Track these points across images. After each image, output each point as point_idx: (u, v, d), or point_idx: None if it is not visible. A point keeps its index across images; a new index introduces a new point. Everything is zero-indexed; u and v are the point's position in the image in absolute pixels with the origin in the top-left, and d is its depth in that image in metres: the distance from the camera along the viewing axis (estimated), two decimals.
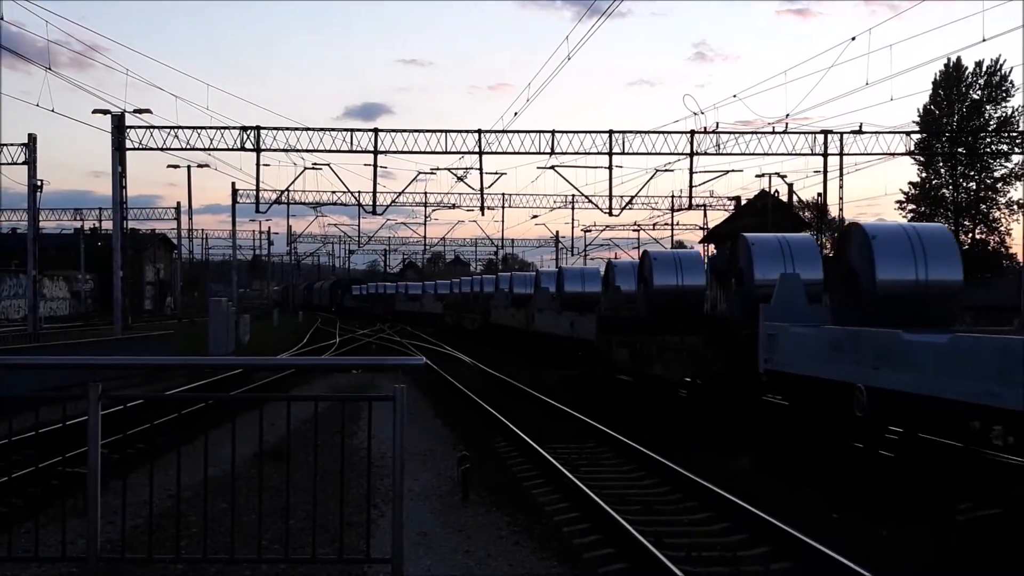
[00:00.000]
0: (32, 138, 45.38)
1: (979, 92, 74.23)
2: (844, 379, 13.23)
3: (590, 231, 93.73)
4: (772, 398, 17.81)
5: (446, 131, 48.03)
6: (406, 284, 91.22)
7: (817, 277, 18.14)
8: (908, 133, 51.97)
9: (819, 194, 55.88)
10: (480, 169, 51.30)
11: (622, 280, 28.55)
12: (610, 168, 49.27)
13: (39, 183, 45.57)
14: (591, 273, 35.90)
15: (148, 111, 45.78)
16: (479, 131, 47.95)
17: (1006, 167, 73.94)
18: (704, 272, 24.00)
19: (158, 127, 45.91)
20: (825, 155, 48.95)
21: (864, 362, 12.77)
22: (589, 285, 33.99)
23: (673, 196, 73.45)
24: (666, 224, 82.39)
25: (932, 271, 14.37)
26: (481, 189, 53.40)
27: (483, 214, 63.35)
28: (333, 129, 48.22)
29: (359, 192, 59.20)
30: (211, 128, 46.86)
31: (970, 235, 75.73)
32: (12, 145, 47.32)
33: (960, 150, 70.97)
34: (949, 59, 73.00)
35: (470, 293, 57.17)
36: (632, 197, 58.74)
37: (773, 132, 48.11)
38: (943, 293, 14.46)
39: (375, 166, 49.60)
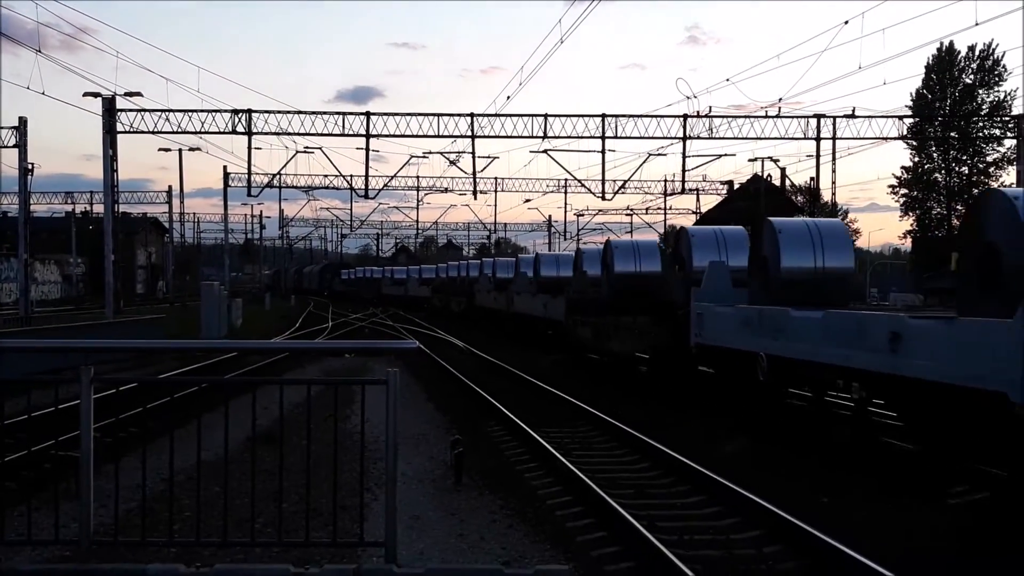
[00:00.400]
0: (23, 121, 45.22)
1: (972, 76, 74.22)
2: (751, 349, 15.95)
3: (583, 215, 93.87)
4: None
5: (438, 115, 48.02)
6: (392, 269, 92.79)
7: (745, 264, 19.58)
8: (901, 117, 52.06)
9: (812, 178, 55.97)
10: (473, 153, 51.30)
11: (589, 265, 30.33)
12: (603, 152, 49.31)
13: (30, 166, 45.44)
14: (565, 259, 37.61)
15: (139, 94, 45.72)
16: (472, 115, 47.94)
17: (998, 151, 73.94)
18: (660, 259, 25.82)
19: (149, 110, 45.82)
20: (818, 139, 49.02)
21: (765, 334, 15.51)
22: (563, 270, 35.58)
23: (666, 180, 73.51)
24: (659, 208, 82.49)
25: (828, 260, 16.81)
26: (474, 173, 53.40)
27: (476, 198, 63.37)
28: (325, 112, 48.22)
29: (351, 176, 59.18)
30: (202, 111, 46.77)
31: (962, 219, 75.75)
32: (3, 128, 47.19)
33: (953, 134, 71.01)
34: (942, 43, 73.00)
35: (456, 277, 59.13)
36: (625, 181, 58.77)
37: (766, 116, 48.18)
38: (837, 278, 16.82)
39: (367, 150, 49.63)
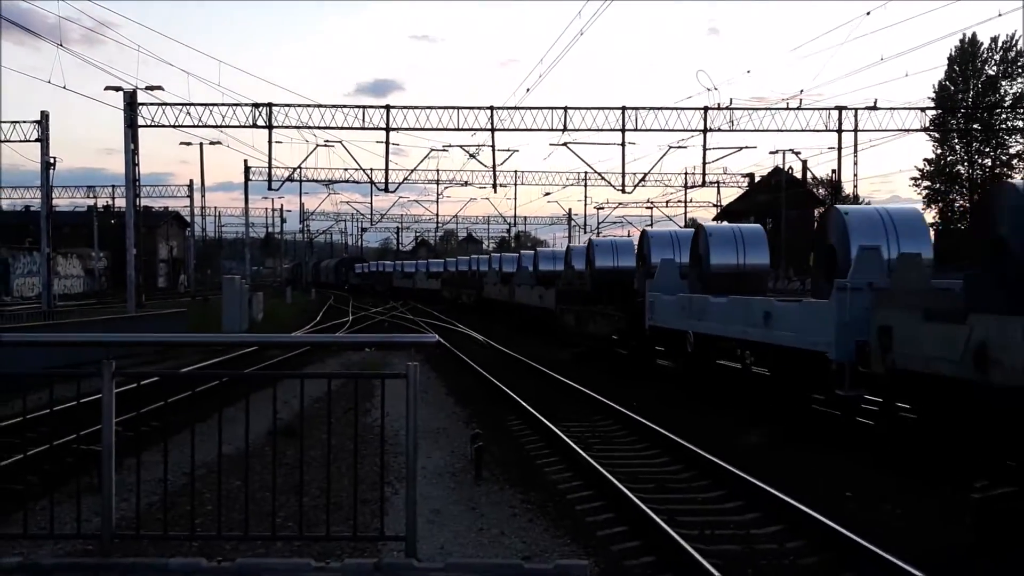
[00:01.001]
0: (44, 115, 45.46)
1: (995, 68, 73.66)
2: (683, 328, 20.65)
3: (603, 208, 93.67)
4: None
5: (458, 108, 48.01)
6: (402, 263, 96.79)
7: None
8: (923, 109, 51.73)
9: (833, 171, 55.72)
10: (492, 146, 51.33)
11: (577, 261, 34.23)
12: (623, 145, 49.22)
13: (52, 160, 45.65)
14: (561, 254, 40.67)
15: (160, 88, 45.80)
16: (491, 108, 47.89)
17: (1021, 143, 73.43)
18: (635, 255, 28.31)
19: (170, 104, 46.00)
20: (839, 131, 48.79)
21: (692, 316, 20.16)
22: (558, 264, 39.03)
23: (686, 173, 73.29)
24: (679, 201, 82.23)
25: (748, 258, 21.51)
26: (493, 166, 53.40)
27: (495, 191, 63.49)
28: (345, 106, 48.32)
29: (371, 169, 59.19)
30: (223, 105, 46.96)
31: None
32: (25, 122, 47.41)
33: (975, 126, 70.52)
34: (964, 34, 72.49)
35: (467, 271, 63.28)
36: (645, 174, 58.73)
37: (787, 108, 47.98)
38: (755, 273, 21.49)
39: (387, 143, 49.65)
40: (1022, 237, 11.37)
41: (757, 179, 73.02)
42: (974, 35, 72.86)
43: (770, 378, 17.61)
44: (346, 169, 65.30)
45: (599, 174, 56.44)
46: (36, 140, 45.93)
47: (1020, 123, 68.92)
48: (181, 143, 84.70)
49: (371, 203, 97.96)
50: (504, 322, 43.92)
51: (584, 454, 12.83)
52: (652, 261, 24.53)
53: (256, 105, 47.35)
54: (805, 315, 15.27)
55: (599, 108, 48.25)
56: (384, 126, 48.27)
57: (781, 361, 16.44)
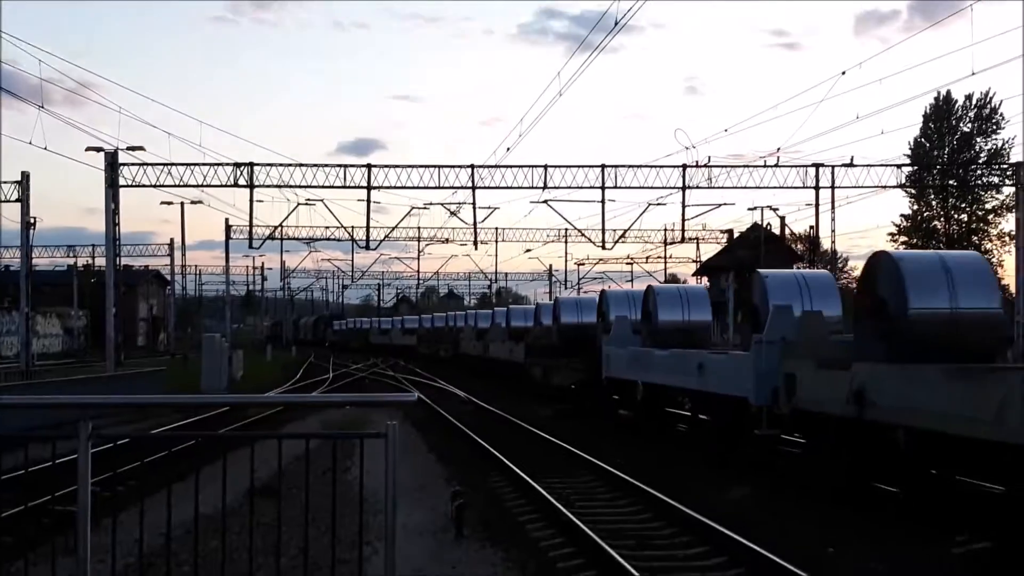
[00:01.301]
0: (25, 176, 45.45)
1: (969, 125, 74.62)
2: (634, 378, 23.25)
3: (583, 264, 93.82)
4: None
5: (439, 166, 48.22)
6: (379, 320, 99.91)
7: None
8: (899, 166, 52.24)
9: (811, 227, 56.04)
10: (473, 204, 51.45)
11: (545, 317, 36.95)
12: (603, 202, 49.42)
13: (32, 220, 45.60)
14: (532, 311, 42.52)
15: (141, 148, 45.88)
16: (472, 166, 48.14)
17: (997, 199, 74.10)
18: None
19: (151, 164, 46.00)
20: (817, 188, 49.18)
21: (641, 368, 23.03)
22: (529, 320, 40.82)
23: (666, 229, 73.49)
24: (659, 257, 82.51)
25: (693, 315, 24.16)
26: (475, 223, 53.56)
27: (476, 248, 63.38)
28: (326, 165, 48.40)
29: (352, 227, 59.23)
30: (204, 165, 46.96)
31: None
32: (6, 183, 47.34)
33: (951, 182, 71.27)
34: (939, 92, 73.45)
35: (443, 327, 65.24)
36: (625, 231, 58.94)
37: (765, 165, 48.35)
38: (699, 328, 24.04)
39: (368, 201, 49.72)
40: (896, 299, 13.39)
41: (736, 235, 73.38)
42: (948, 93, 73.89)
43: (708, 422, 20.01)
44: (327, 227, 65.40)
45: (579, 231, 56.64)
46: (16, 200, 45.87)
47: (995, 179, 69.63)
48: (162, 203, 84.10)
49: (352, 260, 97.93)
50: (480, 376, 45.66)
51: (561, 507, 13.23)
52: (610, 318, 26.81)
53: (237, 164, 47.46)
54: (731, 365, 17.82)
55: (579, 166, 48.54)
56: (365, 184, 48.41)
57: (714, 406, 18.94)
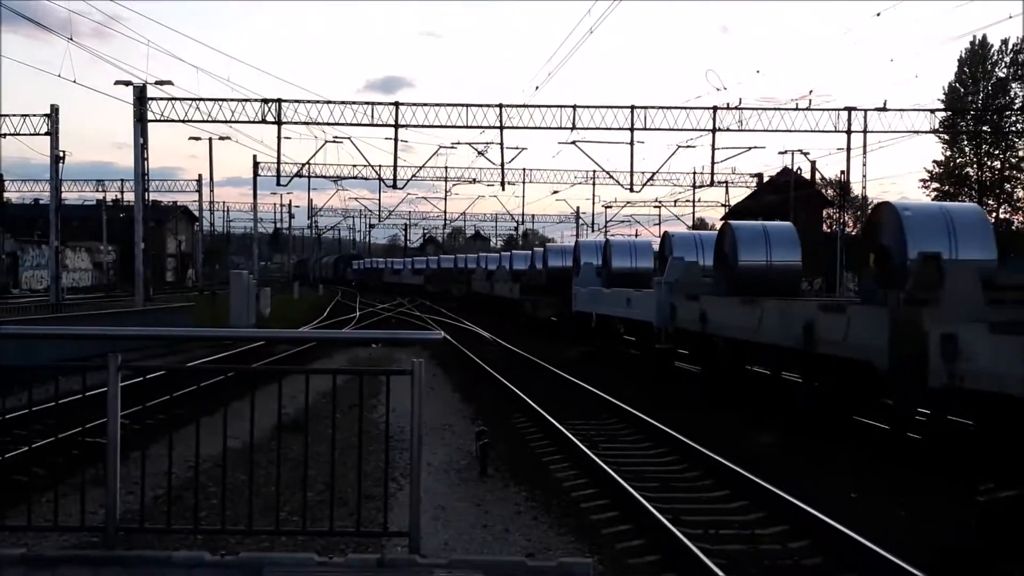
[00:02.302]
0: (54, 109, 45.46)
1: (1005, 70, 73.52)
2: (590, 311, 30.88)
3: (611, 207, 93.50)
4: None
5: (467, 105, 47.94)
6: (392, 260, 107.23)
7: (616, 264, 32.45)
8: (933, 111, 51.62)
9: (842, 171, 55.60)
10: (501, 144, 51.26)
11: (538, 262, 43.82)
12: (631, 144, 49.13)
13: (61, 154, 45.68)
14: (529, 256, 48.67)
15: (170, 83, 45.88)
16: (500, 105, 47.83)
17: None
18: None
19: (180, 99, 46.00)
20: (848, 132, 48.68)
21: (594, 302, 30.35)
22: (527, 264, 47.10)
23: (695, 172, 73.10)
24: (687, 201, 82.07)
25: (639, 262, 30.61)
26: (502, 164, 53.37)
27: (504, 189, 63.11)
28: (354, 102, 48.20)
29: (380, 166, 59.15)
30: (233, 100, 46.93)
31: (994, 214, 75.26)
32: (34, 116, 47.46)
33: (985, 128, 70.37)
34: (975, 36, 72.32)
35: (451, 269, 72.72)
36: (653, 173, 58.63)
37: (796, 109, 47.89)
38: (644, 274, 28.93)
39: (396, 140, 49.59)
40: (732, 254, 16.88)
41: (766, 179, 72.87)
42: (984, 37, 72.77)
43: (635, 340, 27.86)
44: (355, 165, 65.25)
45: (607, 173, 56.43)
46: (46, 133, 45.94)
47: None
48: (190, 138, 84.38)
49: (379, 199, 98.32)
50: (487, 312, 51.18)
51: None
52: (581, 264, 33.37)
53: (266, 101, 47.37)
54: (644, 299, 24.52)
55: (608, 107, 48.22)
56: (393, 123, 48.25)
57: (636, 328, 27.03)
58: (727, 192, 76.71)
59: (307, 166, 58.69)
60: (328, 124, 48.82)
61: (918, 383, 11.79)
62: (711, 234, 26.48)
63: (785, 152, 62.60)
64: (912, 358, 11.97)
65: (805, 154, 61.77)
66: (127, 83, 42.95)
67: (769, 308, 16.94)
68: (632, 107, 47.86)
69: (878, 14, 40.62)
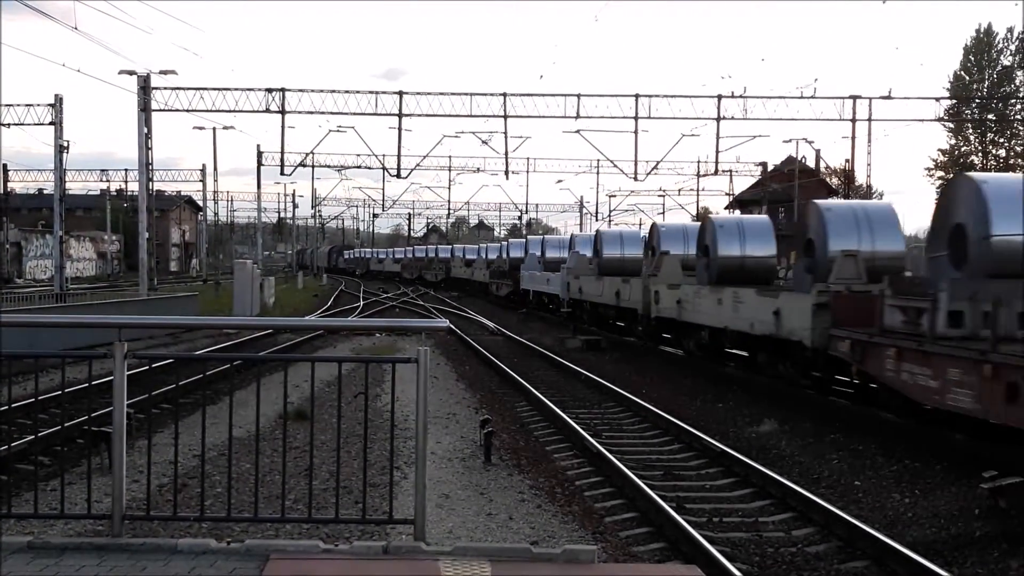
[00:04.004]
0: (58, 99, 45.46)
1: (1010, 58, 73.33)
2: (529, 288, 43.82)
3: (615, 196, 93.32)
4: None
5: (471, 94, 47.80)
6: (376, 250, 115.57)
7: (559, 255, 41.84)
8: (938, 99, 51.48)
9: (847, 160, 55.49)
10: (505, 133, 51.18)
11: (504, 252, 55.77)
12: (636, 132, 49.04)
13: (65, 144, 45.66)
14: (498, 248, 61.53)
15: (173, 72, 45.75)
16: (504, 94, 47.72)
17: None
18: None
19: (184, 88, 45.91)
20: (853, 120, 48.53)
21: (532, 282, 43.36)
22: (496, 254, 59.74)
23: (699, 161, 72.90)
24: (691, 190, 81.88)
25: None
26: (506, 153, 53.27)
27: (507, 178, 63.16)
28: (358, 91, 48.08)
29: (383, 155, 59.11)
30: (236, 90, 46.82)
31: None
32: (39, 106, 47.44)
33: (990, 116, 70.22)
34: (980, 24, 72.11)
35: (423, 257, 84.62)
36: (658, 162, 58.50)
37: (801, 97, 47.73)
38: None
39: (400, 129, 49.49)
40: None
41: (770, 168, 72.79)
42: (989, 25, 72.56)
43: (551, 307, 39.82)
44: (358, 155, 65.20)
45: (611, 161, 56.32)
46: (50, 123, 45.91)
47: None
48: (194, 127, 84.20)
49: (383, 189, 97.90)
50: (461, 290, 64.23)
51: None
52: (530, 252, 46.58)
53: (269, 90, 47.27)
54: (556, 279, 37.16)
55: (612, 95, 48.05)
56: (397, 112, 48.18)
57: (551, 300, 39.39)
58: (731, 181, 76.53)
59: (311, 155, 58.66)
60: (332, 113, 48.65)
61: (647, 315, 25.17)
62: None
63: (790, 141, 62.54)
64: (647, 305, 25.05)
65: (810, 142, 61.80)
66: (131, 72, 42.92)
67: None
68: (636, 96, 47.77)
69: (883, 1, 40.61)
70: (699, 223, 27.09)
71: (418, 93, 48.03)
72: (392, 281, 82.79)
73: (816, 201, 18.62)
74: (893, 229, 17.88)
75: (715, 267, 21.87)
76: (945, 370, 11.35)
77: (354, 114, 48.34)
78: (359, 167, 66.36)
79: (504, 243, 60.95)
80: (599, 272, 31.76)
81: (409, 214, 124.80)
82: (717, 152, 51.00)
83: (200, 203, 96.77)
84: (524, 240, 55.03)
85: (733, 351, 20.82)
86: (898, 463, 11.99)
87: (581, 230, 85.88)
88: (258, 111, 47.52)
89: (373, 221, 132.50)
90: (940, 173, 76.22)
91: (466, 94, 47.67)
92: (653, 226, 29.74)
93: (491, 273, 54.28)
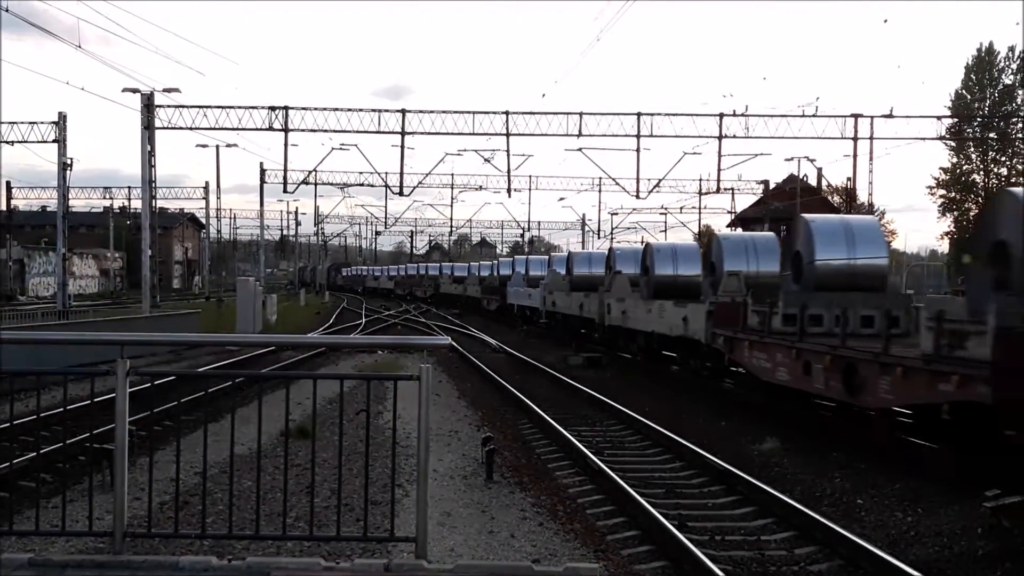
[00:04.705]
0: (62, 116, 45.57)
1: (1011, 76, 73.41)
2: (515, 303, 48.91)
3: (616, 214, 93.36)
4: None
5: (473, 112, 47.91)
6: (372, 268, 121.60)
7: (541, 273, 45.88)
8: (939, 117, 51.52)
9: (848, 178, 55.53)
10: (507, 151, 51.23)
11: (496, 270, 60.98)
12: (638, 151, 49.08)
13: (68, 161, 45.76)
14: (490, 266, 66.45)
15: (177, 90, 45.85)
16: (506, 112, 47.83)
17: None
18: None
19: (187, 106, 46.03)
20: (855, 138, 48.58)
21: (517, 298, 48.21)
22: (487, 272, 64.60)
23: (701, 179, 72.92)
24: (693, 208, 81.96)
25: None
26: (508, 170, 53.33)
27: (510, 196, 63.05)
28: (361, 109, 48.17)
29: (386, 173, 59.19)
30: (240, 108, 46.93)
31: None
32: (42, 123, 47.56)
33: (992, 135, 70.23)
34: (981, 43, 72.28)
35: (415, 275, 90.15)
36: (660, 180, 58.55)
37: (803, 115, 47.80)
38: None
39: (402, 147, 49.58)
40: (569, 268, 27.99)
41: (772, 186, 72.83)
42: (991, 44, 72.70)
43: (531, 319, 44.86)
44: (361, 172, 65.37)
45: (613, 179, 56.40)
46: (53, 141, 46.02)
47: None
48: (197, 145, 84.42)
49: (385, 206, 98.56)
50: (451, 305, 67.81)
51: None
52: (514, 271, 51.83)
53: (272, 108, 47.40)
54: (535, 294, 42.39)
55: (614, 114, 48.28)
56: (399, 130, 48.28)
57: (532, 312, 43.72)
58: (733, 199, 76.57)
59: (314, 173, 58.83)
60: (335, 131, 48.78)
61: (602, 323, 29.91)
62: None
63: (791, 159, 62.49)
64: (602, 315, 29.78)
65: (811, 161, 61.79)
66: (135, 90, 43.03)
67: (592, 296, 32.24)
68: (638, 114, 47.81)
69: (885, 20, 40.66)
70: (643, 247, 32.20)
71: (421, 111, 48.20)
72: (389, 297, 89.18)
73: (718, 232, 29.67)
74: (773, 254, 22.57)
75: (652, 284, 26.83)
76: (775, 355, 16.44)
77: (357, 132, 48.43)
78: (362, 184, 66.67)
79: (495, 262, 67.39)
80: (570, 288, 37.09)
81: (412, 231, 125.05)
82: (719, 170, 51.04)
83: (203, 221, 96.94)
84: (512, 259, 61.16)
85: (665, 352, 25.13)
86: (900, 481, 11.97)
87: (583, 248, 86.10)
88: (261, 129, 47.64)
89: (375, 238, 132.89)
90: (942, 191, 76.25)
91: (469, 112, 47.78)
92: (610, 249, 36.99)
93: (483, 289, 59.62)
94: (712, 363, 21.00)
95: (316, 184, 67.40)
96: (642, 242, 54.85)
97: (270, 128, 47.63)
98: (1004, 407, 10.63)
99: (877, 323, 15.79)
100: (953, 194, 75.54)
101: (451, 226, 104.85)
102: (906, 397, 12.81)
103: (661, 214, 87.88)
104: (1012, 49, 72.91)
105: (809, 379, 15.22)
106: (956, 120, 65.02)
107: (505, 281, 52.75)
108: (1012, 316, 11.42)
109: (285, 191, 55.67)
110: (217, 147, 69.54)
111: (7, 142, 47.91)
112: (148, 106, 42.67)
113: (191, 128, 46.38)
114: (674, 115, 47.76)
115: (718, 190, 59.32)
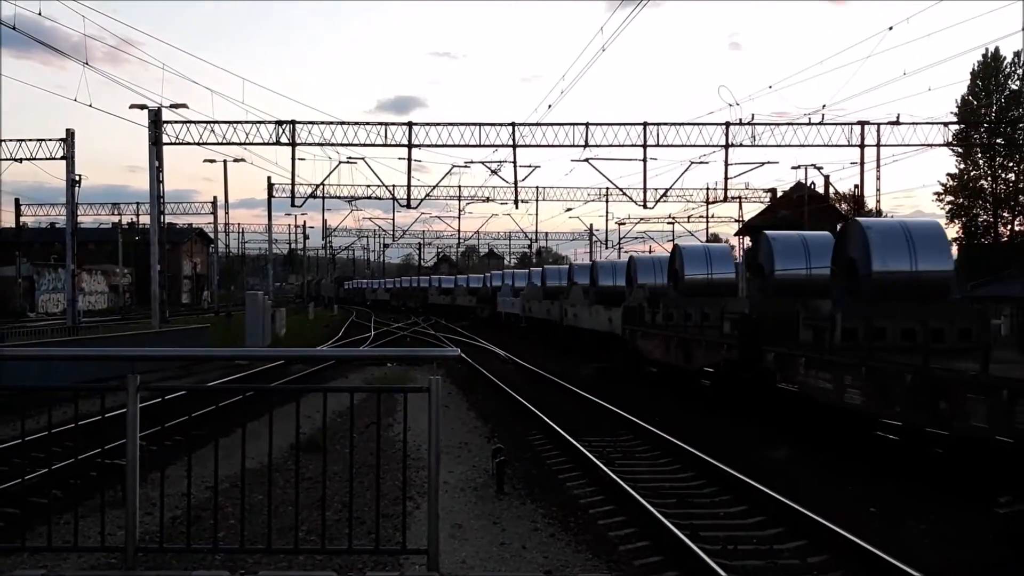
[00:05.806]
0: (70, 133, 45.72)
1: (1018, 82, 73.29)
2: (502, 310, 55.39)
3: (624, 224, 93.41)
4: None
5: (480, 124, 48.04)
6: (371, 281, 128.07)
7: (525, 284, 53.22)
8: (946, 124, 51.48)
9: (856, 186, 55.50)
10: (514, 162, 51.34)
11: (488, 281, 68.04)
12: (644, 160, 49.12)
13: (77, 178, 45.92)
14: (480, 278, 74.41)
15: (184, 106, 46.00)
16: (513, 124, 47.93)
17: None
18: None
19: (195, 122, 46.19)
20: (862, 146, 48.59)
21: (505, 306, 54.69)
22: (478, 283, 71.80)
23: (708, 188, 73.03)
24: (701, 216, 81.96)
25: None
26: (515, 182, 53.46)
27: (517, 207, 63.30)
28: (367, 123, 48.56)
29: (393, 186, 59.35)
30: (247, 123, 47.09)
31: (1009, 227, 74.89)
32: (50, 140, 47.72)
33: (999, 141, 70.10)
34: (987, 49, 72.18)
35: (409, 287, 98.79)
36: (667, 190, 58.58)
37: (809, 123, 47.80)
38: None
39: (409, 160, 49.70)
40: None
41: (779, 194, 72.78)
42: (997, 50, 72.56)
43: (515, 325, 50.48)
44: (368, 186, 65.50)
45: (620, 190, 56.48)
46: (61, 158, 46.18)
47: None
48: (205, 160, 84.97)
49: (393, 219, 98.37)
50: (444, 315, 71.77)
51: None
52: (503, 283, 59.44)
53: (280, 122, 47.55)
54: (518, 302, 49.65)
55: (620, 124, 48.24)
56: (406, 143, 48.40)
57: (515, 319, 49.91)
58: (740, 207, 76.66)
59: (321, 187, 58.87)
60: (342, 145, 48.97)
61: (561, 324, 37.28)
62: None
63: (798, 167, 62.48)
64: (562, 318, 37.39)
65: (818, 168, 61.66)
66: (142, 107, 43.16)
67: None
68: (645, 124, 47.92)
69: (890, 28, 40.65)
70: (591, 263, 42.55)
71: (427, 124, 48.34)
72: (387, 309, 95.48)
73: (678, 243, 30.16)
74: (728, 261, 27.08)
75: (597, 292, 34.61)
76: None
77: (364, 145, 48.61)
78: (369, 197, 66.75)
79: (487, 275, 75.20)
80: (543, 296, 44.37)
81: (419, 244, 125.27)
82: (726, 179, 51.16)
83: (211, 235, 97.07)
84: (502, 272, 70.20)
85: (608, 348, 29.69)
86: (913, 488, 11.93)
87: (591, 258, 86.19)
88: (269, 143, 47.80)
89: (383, 251, 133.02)
90: (950, 198, 76.12)
91: (475, 124, 47.97)
92: (570, 265, 47.73)
93: (477, 299, 66.25)
94: (632, 355, 25.83)
95: (324, 197, 67.70)
96: (649, 251, 58.15)
97: (277, 142, 47.80)
98: None
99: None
100: (961, 200, 75.39)
101: (459, 238, 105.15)
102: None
103: (669, 223, 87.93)
104: (1018, 55, 72.81)
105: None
106: (963, 126, 64.89)
107: (496, 292, 60.79)
108: (855, 317, 14.82)
109: (293, 205, 55.94)
110: (225, 162, 69.85)
111: (16, 159, 48.14)
112: (156, 122, 42.81)
113: (199, 143, 46.57)
114: (681, 124, 47.89)
115: (725, 199, 59.45)
